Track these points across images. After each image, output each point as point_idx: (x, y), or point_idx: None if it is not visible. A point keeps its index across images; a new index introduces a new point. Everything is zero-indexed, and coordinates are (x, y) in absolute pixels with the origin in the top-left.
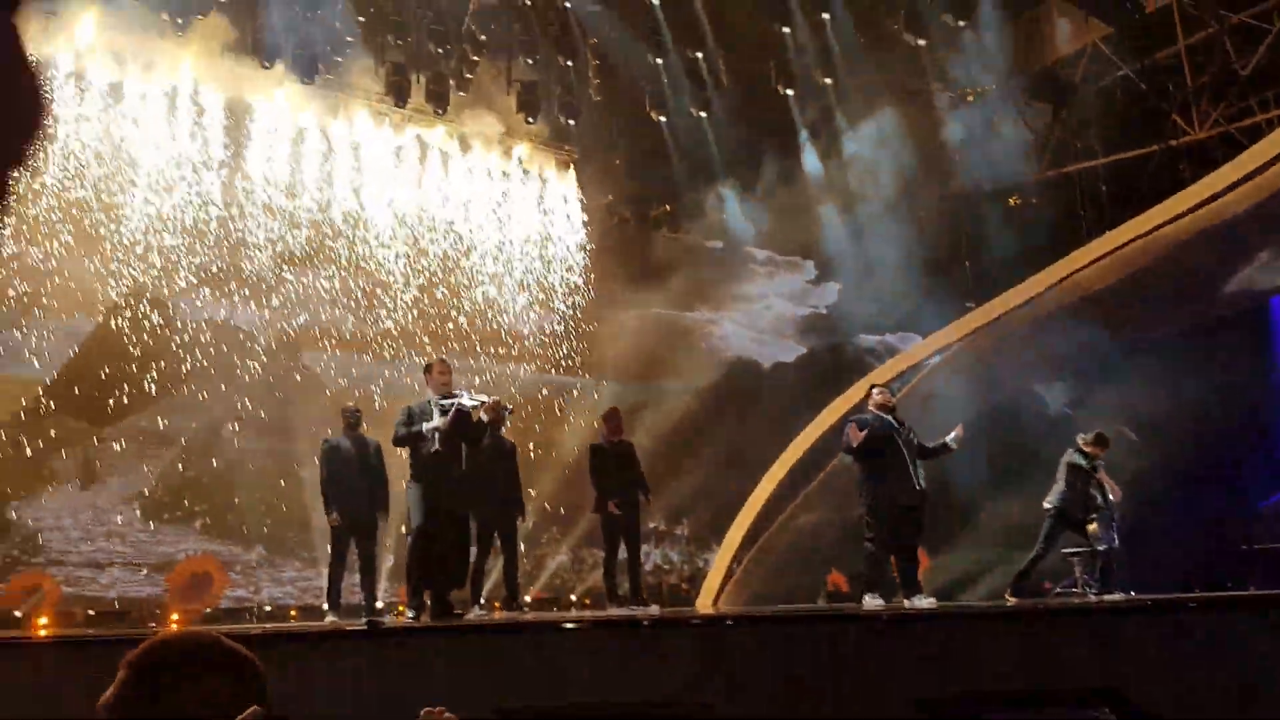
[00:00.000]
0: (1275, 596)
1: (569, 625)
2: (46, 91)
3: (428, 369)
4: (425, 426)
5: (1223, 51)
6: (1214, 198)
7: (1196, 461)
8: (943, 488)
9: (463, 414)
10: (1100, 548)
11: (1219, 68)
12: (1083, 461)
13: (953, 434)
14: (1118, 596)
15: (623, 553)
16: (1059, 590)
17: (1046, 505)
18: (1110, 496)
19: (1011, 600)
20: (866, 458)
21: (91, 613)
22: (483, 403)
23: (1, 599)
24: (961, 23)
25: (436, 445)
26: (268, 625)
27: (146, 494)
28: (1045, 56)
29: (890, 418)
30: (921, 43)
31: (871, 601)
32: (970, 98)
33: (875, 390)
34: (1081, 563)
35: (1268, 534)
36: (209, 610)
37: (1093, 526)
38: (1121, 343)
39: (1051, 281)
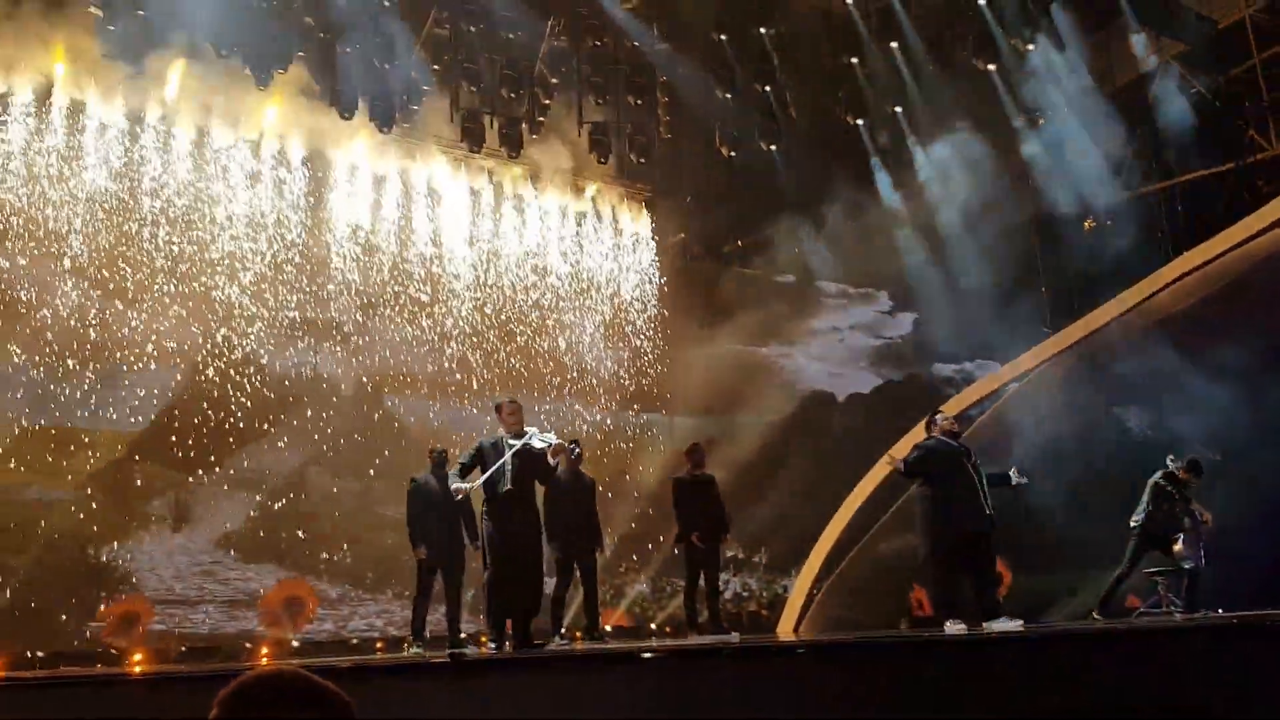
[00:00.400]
0: None
1: (647, 655)
2: None
3: (498, 408)
4: (455, 487)
5: None
6: None
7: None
8: (1024, 510)
9: (533, 456)
10: (1186, 566)
11: None
12: (1166, 484)
13: (1015, 473)
14: (1203, 616)
15: (702, 581)
16: (1144, 610)
17: (1131, 524)
18: (1200, 519)
19: (1098, 620)
20: (932, 483)
21: (185, 648)
22: (550, 445)
23: (101, 631)
24: (1031, 46)
25: (508, 484)
26: (354, 658)
27: (235, 534)
28: (1118, 77)
29: (956, 443)
30: (991, 68)
31: (953, 627)
32: (1042, 121)
33: (939, 416)
34: (1166, 582)
35: None
36: (300, 634)
37: (1178, 546)
38: (1202, 365)
39: (1129, 306)
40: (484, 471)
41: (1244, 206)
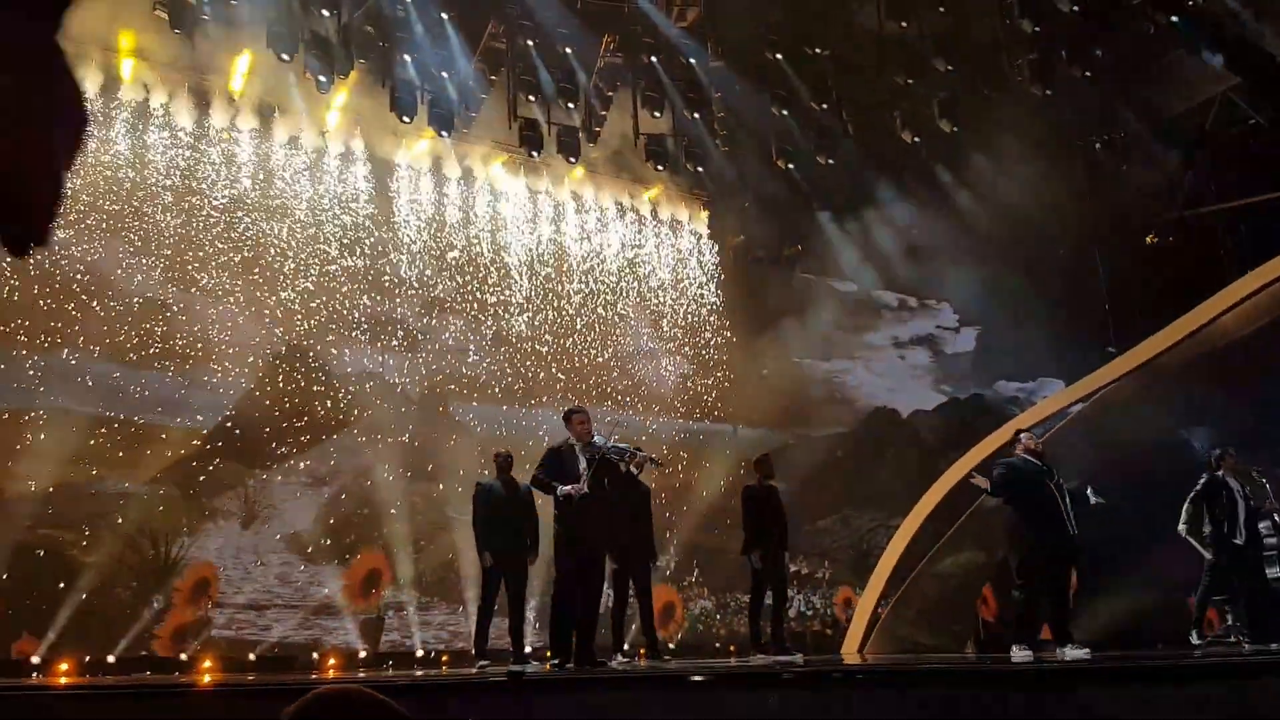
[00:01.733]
0: None
1: (698, 678)
2: (86, 102)
3: (568, 417)
4: (561, 490)
5: None
6: None
7: None
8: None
9: (608, 464)
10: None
11: None
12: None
13: (1091, 492)
14: (1268, 647)
15: (768, 598)
16: (1210, 639)
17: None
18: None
19: (1196, 641)
20: (1018, 503)
21: (252, 656)
22: (626, 452)
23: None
24: (1088, 73)
25: (584, 488)
26: (416, 674)
27: (304, 534)
28: (1177, 102)
29: (1040, 463)
30: (1048, 93)
31: (1020, 654)
32: (1099, 145)
33: (1023, 435)
34: (1232, 610)
35: None
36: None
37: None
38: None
39: (1192, 328)
40: (560, 477)
41: None
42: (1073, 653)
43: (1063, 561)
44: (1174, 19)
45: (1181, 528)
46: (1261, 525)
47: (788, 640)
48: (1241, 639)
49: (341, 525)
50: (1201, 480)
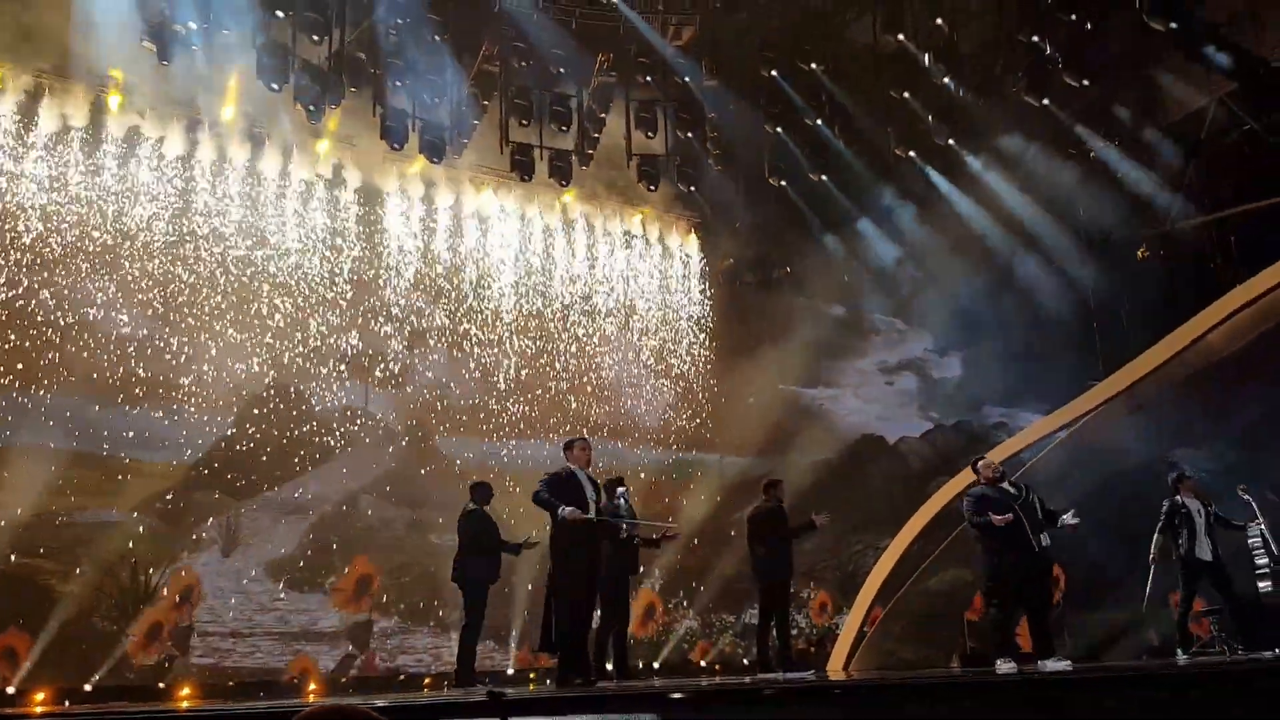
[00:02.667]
0: None
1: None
2: None
3: (569, 446)
4: (564, 511)
5: None
6: None
7: None
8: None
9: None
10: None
11: None
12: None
13: (1070, 515)
14: (1264, 655)
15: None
16: (1195, 651)
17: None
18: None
19: (1183, 659)
20: (986, 528)
21: (232, 684)
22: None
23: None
24: (1085, 81)
25: (593, 514)
26: (396, 695)
27: (286, 561)
28: (1171, 111)
29: (1005, 486)
30: (1045, 102)
31: (1004, 666)
32: (1092, 155)
33: (979, 464)
34: (1218, 621)
35: None
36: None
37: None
38: (1256, 405)
39: (1179, 348)
40: (564, 500)
41: None
42: (1054, 665)
43: (1034, 578)
44: (1173, 24)
45: (1152, 559)
46: (1250, 541)
47: (795, 657)
48: (1231, 649)
49: (323, 553)
50: (1164, 508)
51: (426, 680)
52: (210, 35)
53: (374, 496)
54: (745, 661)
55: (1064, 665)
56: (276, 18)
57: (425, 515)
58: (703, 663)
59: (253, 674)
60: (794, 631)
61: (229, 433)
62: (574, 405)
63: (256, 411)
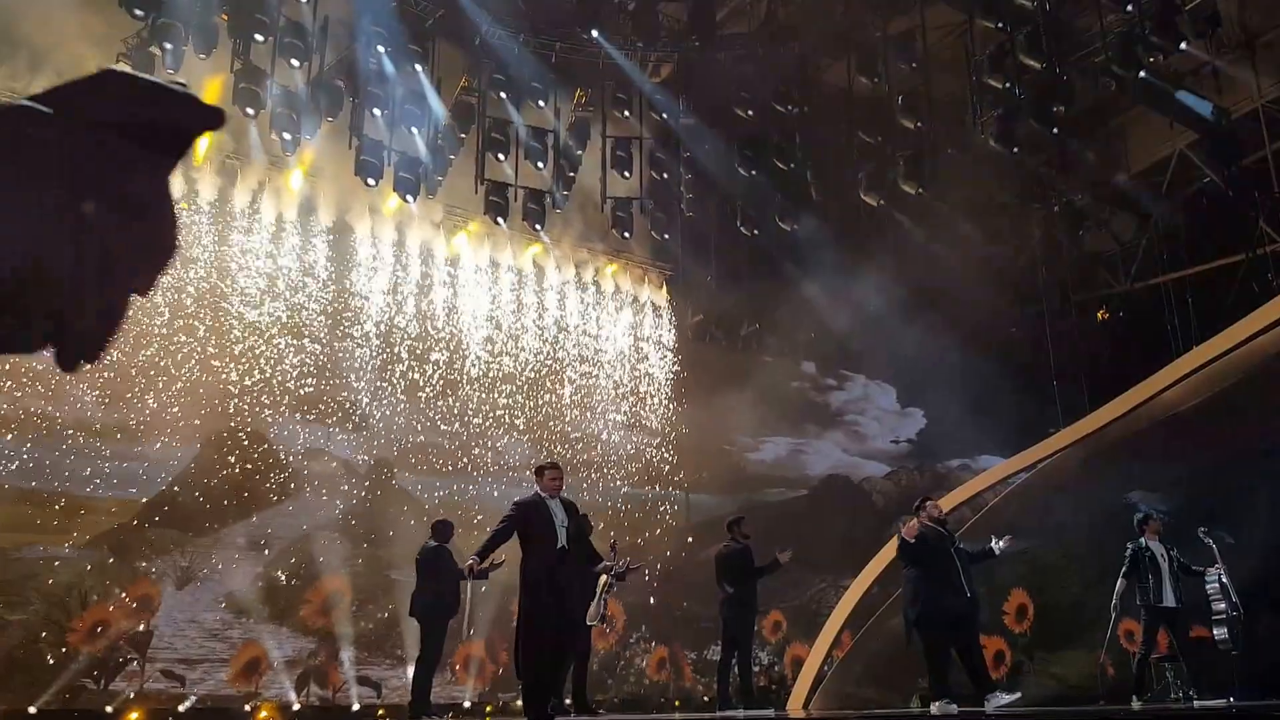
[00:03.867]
0: None
1: None
2: (178, 237)
3: (539, 472)
4: (477, 564)
5: None
6: None
7: None
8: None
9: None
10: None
11: None
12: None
13: (1002, 541)
14: (1217, 703)
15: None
16: (1150, 697)
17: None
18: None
19: (1137, 705)
20: (915, 566)
21: (182, 709)
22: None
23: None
24: (1054, 130)
25: (563, 542)
26: None
27: (240, 595)
28: (1133, 164)
29: (941, 529)
30: (1012, 151)
31: (944, 708)
32: (1057, 209)
33: (929, 503)
34: (1172, 668)
35: None
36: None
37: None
38: (1220, 457)
39: (1137, 403)
40: (528, 531)
41: (1254, 298)
42: (1006, 697)
43: (963, 621)
44: (1140, 75)
45: (1115, 603)
46: (1209, 588)
47: (756, 695)
48: (1186, 697)
49: (280, 588)
50: (1127, 552)
51: (380, 712)
52: (184, 59)
53: (333, 533)
54: (705, 699)
55: (1013, 697)
56: (256, 42)
57: (385, 552)
58: (663, 699)
59: (202, 702)
60: (756, 668)
61: (189, 469)
62: (543, 443)
63: (216, 451)
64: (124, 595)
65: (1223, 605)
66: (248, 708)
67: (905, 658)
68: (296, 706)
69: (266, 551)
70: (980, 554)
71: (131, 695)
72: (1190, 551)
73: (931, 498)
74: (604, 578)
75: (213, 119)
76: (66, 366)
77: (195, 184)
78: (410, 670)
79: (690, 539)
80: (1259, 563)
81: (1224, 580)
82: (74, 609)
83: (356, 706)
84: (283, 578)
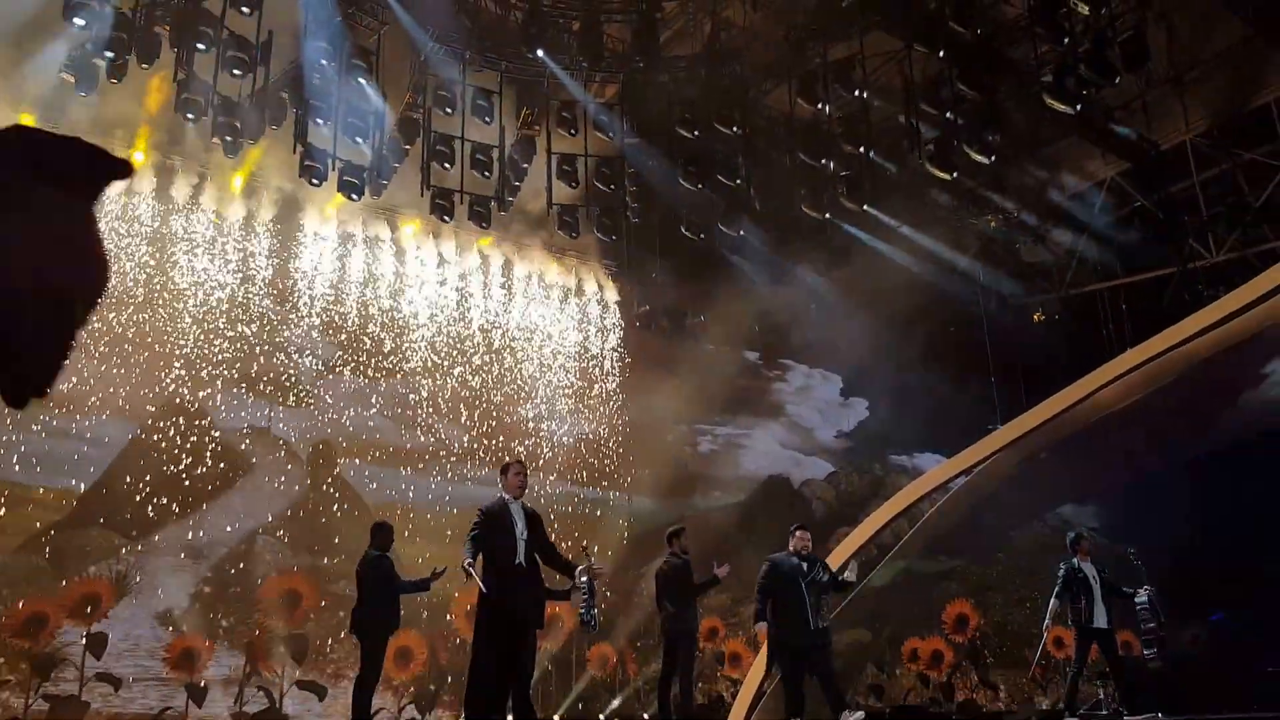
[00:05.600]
0: None
1: None
2: (109, 265)
3: (503, 471)
4: (468, 563)
5: (1235, 186)
6: (1230, 317)
7: (1225, 581)
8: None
9: (540, 532)
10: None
11: (1232, 200)
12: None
13: (847, 570)
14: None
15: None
16: (1084, 713)
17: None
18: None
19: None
20: (765, 597)
21: None
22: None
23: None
24: (990, 158)
25: (520, 558)
26: None
27: (178, 609)
28: (1068, 185)
29: (798, 561)
30: (948, 176)
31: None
32: (994, 224)
33: (798, 533)
34: (1105, 685)
35: None
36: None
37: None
38: (1151, 463)
39: (1073, 401)
40: (489, 541)
41: (1185, 308)
42: (850, 717)
43: (811, 651)
44: (1077, 107)
45: (1046, 623)
46: (1138, 607)
47: (695, 712)
48: (1118, 713)
49: (217, 597)
50: (1060, 571)
51: None
52: (128, 64)
53: (273, 536)
54: (645, 715)
55: (858, 716)
56: (199, 51)
57: (324, 549)
58: (601, 716)
59: (135, 716)
60: (697, 684)
61: (126, 455)
62: (487, 437)
63: (156, 433)
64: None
65: (1152, 624)
66: None
67: (843, 676)
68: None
69: (204, 560)
70: (840, 583)
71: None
72: (1120, 571)
73: (805, 526)
74: (587, 579)
75: (121, 170)
76: (15, 404)
77: (137, 169)
78: (348, 687)
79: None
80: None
81: (1152, 600)
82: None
83: None
84: (220, 586)
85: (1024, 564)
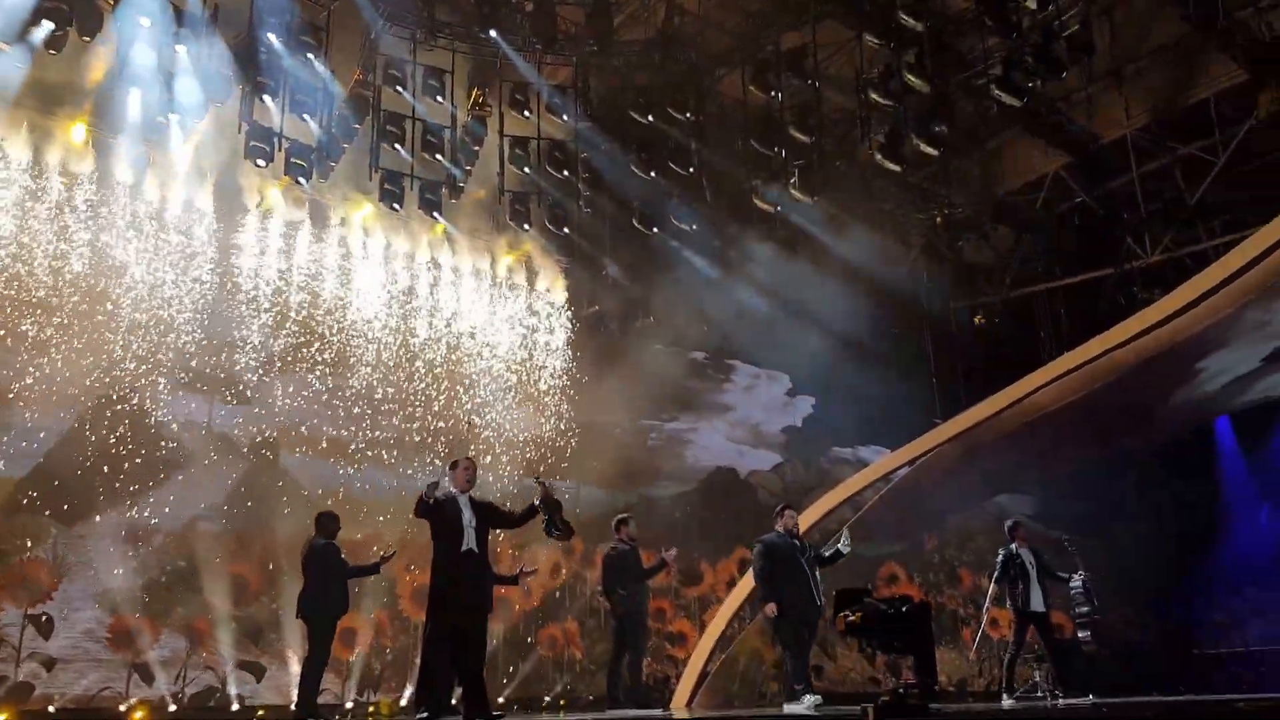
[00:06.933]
0: (1229, 701)
1: None
2: None
3: (453, 465)
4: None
5: (1172, 181)
6: (1162, 323)
7: (1154, 570)
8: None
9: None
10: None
11: (1169, 196)
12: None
13: (842, 540)
14: (1080, 701)
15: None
16: (1020, 694)
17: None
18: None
19: (1008, 703)
20: (769, 578)
21: (52, 710)
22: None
23: None
24: (937, 151)
25: (468, 545)
26: None
27: (116, 591)
28: (1009, 182)
29: (793, 540)
30: (897, 168)
31: (811, 701)
32: (939, 220)
33: (787, 513)
34: (1040, 666)
35: (1223, 640)
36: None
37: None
38: (1084, 457)
39: (1010, 401)
40: (440, 525)
41: (1121, 310)
42: (809, 699)
43: (808, 626)
44: (1024, 100)
45: (986, 605)
46: (1072, 592)
47: (644, 695)
48: (1052, 695)
49: (158, 581)
50: (999, 558)
51: (260, 711)
52: (69, 39)
53: (215, 520)
54: (590, 698)
55: (814, 700)
56: (142, 26)
57: (266, 544)
58: (547, 698)
59: (77, 701)
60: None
61: (62, 449)
62: (434, 429)
63: (92, 425)
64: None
65: (1086, 609)
66: (122, 708)
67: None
68: (173, 707)
69: (142, 544)
70: (833, 556)
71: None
72: (1057, 557)
73: (790, 507)
74: (541, 501)
75: None
76: None
77: (71, 156)
78: (295, 670)
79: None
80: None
81: (1087, 585)
82: None
83: (236, 707)
84: (160, 570)
85: (956, 545)
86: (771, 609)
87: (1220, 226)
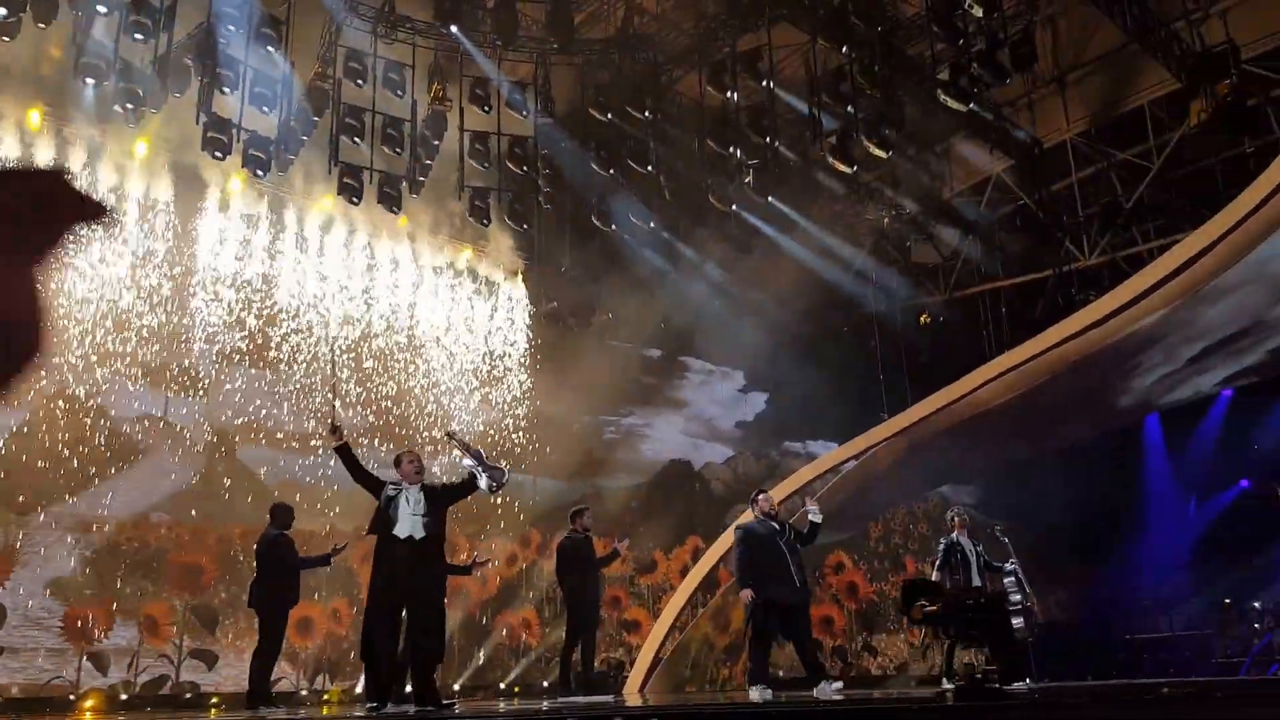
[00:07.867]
0: (1155, 685)
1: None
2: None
3: (398, 460)
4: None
5: (1110, 185)
6: (1097, 324)
7: (1087, 558)
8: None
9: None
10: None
11: (1107, 200)
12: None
13: (811, 511)
14: (1018, 687)
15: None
16: (959, 679)
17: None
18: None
19: (949, 687)
20: (747, 564)
21: (3, 699)
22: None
23: None
24: (886, 153)
25: (409, 532)
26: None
27: (68, 580)
28: (955, 183)
29: (773, 523)
30: (848, 169)
31: (760, 694)
32: (887, 220)
33: (761, 496)
34: (979, 653)
35: (1150, 626)
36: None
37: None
38: (1022, 450)
39: (953, 398)
40: (383, 514)
41: (1060, 310)
42: (829, 688)
43: (793, 611)
44: (971, 106)
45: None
46: (1006, 580)
47: (598, 681)
48: (989, 681)
49: (112, 571)
50: (941, 546)
51: (213, 699)
52: (24, 28)
53: (168, 513)
54: (545, 683)
55: (836, 687)
56: (99, 14)
57: (220, 534)
58: (502, 685)
59: (25, 690)
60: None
61: (14, 441)
62: (391, 421)
63: (46, 419)
64: None
65: (1018, 597)
66: (72, 697)
67: (737, 645)
68: (124, 696)
69: (97, 531)
70: (811, 531)
71: None
72: (991, 546)
73: (765, 490)
74: (460, 455)
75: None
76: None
77: (31, 147)
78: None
79: (532, 527)
80: (1052, 555)
81: (1019, 574)
82: None
83: (189, 695)
84: (115, 559)
85: (900, 533)
86: (747, 595)
87: (1154, 229)
